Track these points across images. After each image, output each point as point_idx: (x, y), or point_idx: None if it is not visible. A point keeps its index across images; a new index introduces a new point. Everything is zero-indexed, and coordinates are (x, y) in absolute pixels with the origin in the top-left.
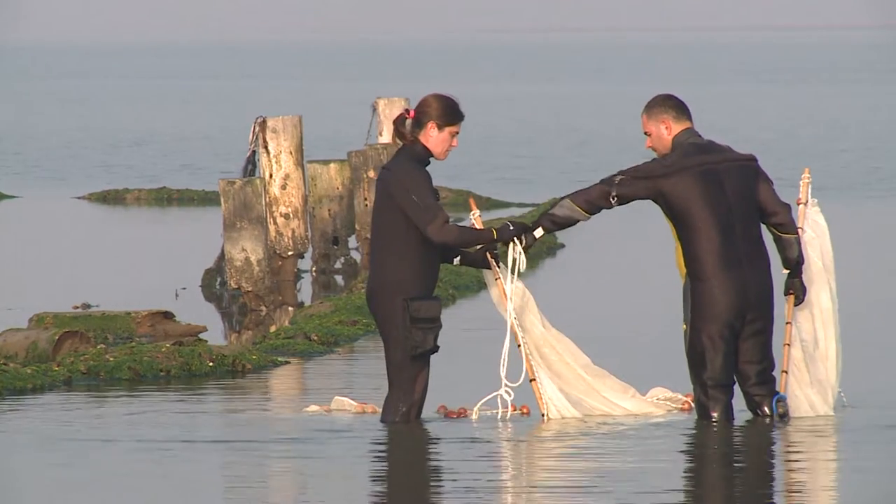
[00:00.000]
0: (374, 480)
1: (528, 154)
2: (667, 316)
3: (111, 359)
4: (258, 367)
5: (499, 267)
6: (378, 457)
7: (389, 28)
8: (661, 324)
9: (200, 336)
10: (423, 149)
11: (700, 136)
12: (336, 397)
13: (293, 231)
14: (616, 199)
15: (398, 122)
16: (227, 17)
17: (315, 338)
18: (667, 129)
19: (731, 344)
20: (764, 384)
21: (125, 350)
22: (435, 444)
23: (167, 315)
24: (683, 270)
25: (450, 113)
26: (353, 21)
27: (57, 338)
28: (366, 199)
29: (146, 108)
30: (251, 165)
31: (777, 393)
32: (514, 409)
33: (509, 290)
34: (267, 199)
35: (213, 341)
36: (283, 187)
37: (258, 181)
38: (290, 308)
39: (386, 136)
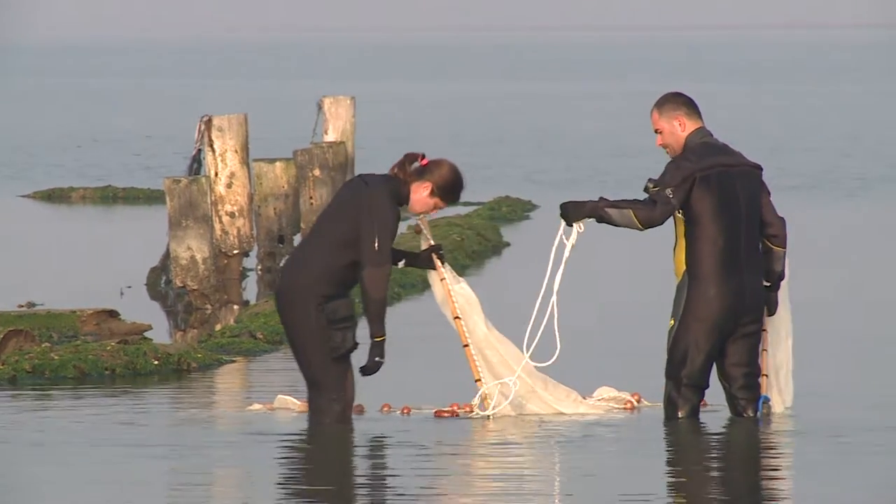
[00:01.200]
0: (316, 482)
1: (480, 153)
2: (608, 313)
3: (56, 357)
4: (203, 365)
5: (444, 267)
6: (318, 458)
7: (336, 26)
8: (604, 322)
9: (146, 335)
10: (407, 194)
11: (712, 135)
12: (279, 396)
13: (238, 229)
14: (680, 211)
15: (407, 159)
16: (170, 16)
17: (260, 336)
18: (680, 126)
19: (715, 347)
20: (749, 388)
21: (70, 349)
22: (380, 443)
23: (112, 313)
24: (681, 267)
25: (450, 191)
26: (300, 19)
27: (1, 336)
28: (311, 197)
29: (92, 106)
30: (197, 164)
31: (762, 395)
32: (467, 408)
33: (468, 291)
34: (212, 198)
35: (159, 340)
36: (229, 186)
37: (204, 180)
38: (236, 306)
39: (332, 135)
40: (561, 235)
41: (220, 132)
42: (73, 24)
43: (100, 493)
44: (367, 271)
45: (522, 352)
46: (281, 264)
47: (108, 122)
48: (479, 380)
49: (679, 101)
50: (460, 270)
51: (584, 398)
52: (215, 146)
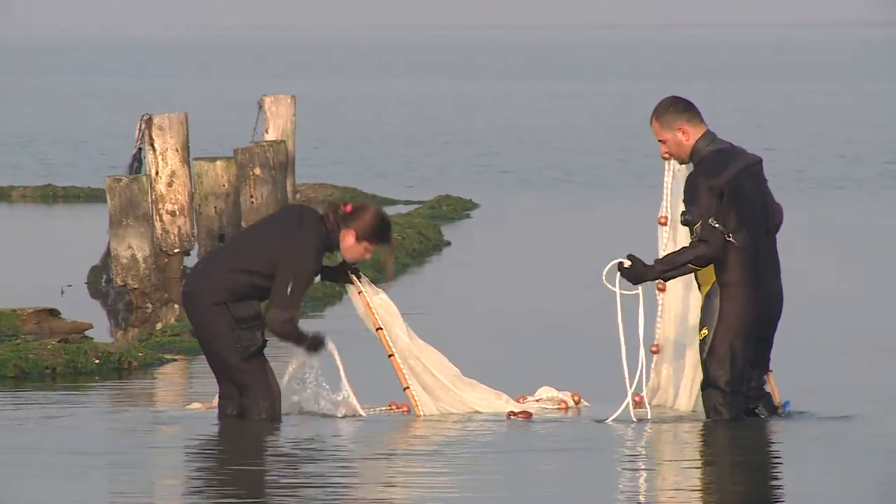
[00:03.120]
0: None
1: (415, 152)
2: (550, 312)
3: None
4: (144, 364)
5: (360, 280)
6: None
7: (277, 24)
8: (545, 320)
9: (86, 333)
10: (336, 241)
11: (717, 137)
12: (218, 395)
13: (179, 228)
14: (730, 235)
15: (333, 209)
16: (110, 15)
17: None
18: (684, 135)
19: (751, 354)
20: (762, 388)
21: (10, 347)
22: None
23: (53, 312)
24: (711, 277)
25: (376, 234)
26: (241, 18)
27: None
28: (252, 196)
29: (33, 105)
30: (137, 163)
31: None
32: (396, 408)
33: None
34: (153, 197)
35: (100, 338)
36: (170, 184)
37: (144, 178)
38: (176, 305)
39: (272, 134)
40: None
41: (161, 131)
42: (12, 23)
43: (32, 499)
44: (272, 312)
45: (444, 359)
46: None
47: (48, 120)
48: (408, 388)
49: (678, 109)
50: (401, 270)
51: (522, 399)
52: (156, 145)
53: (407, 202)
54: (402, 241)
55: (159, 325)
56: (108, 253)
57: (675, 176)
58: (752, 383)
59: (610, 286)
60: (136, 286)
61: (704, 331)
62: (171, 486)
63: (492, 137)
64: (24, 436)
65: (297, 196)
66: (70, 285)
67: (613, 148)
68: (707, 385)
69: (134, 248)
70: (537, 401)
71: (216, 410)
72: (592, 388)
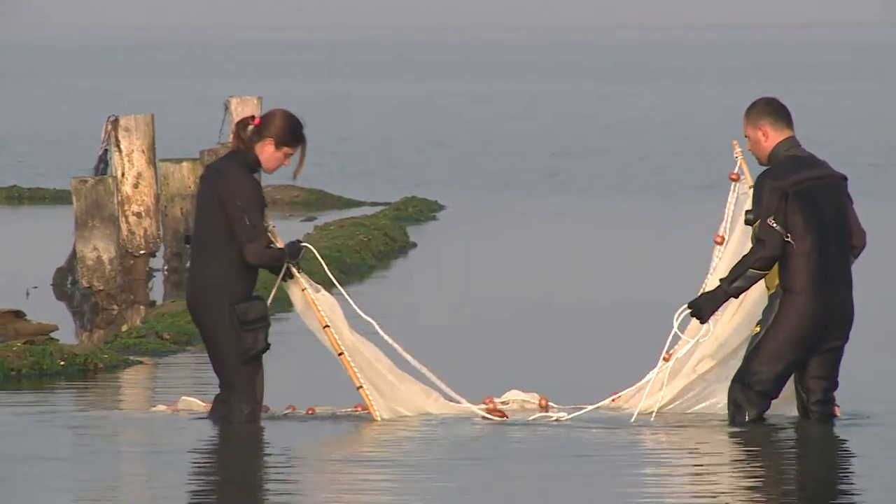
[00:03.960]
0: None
1: (384, 154)
2: (513, 313)
3: None
4: (110, 366)
5: (301, 276)
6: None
7: (244, 25)
8: (507, 322)
9: (52, 335)
10: (255, 158)
11: (800, 146)
12: (183, 397)
13: (145, 230)
14: (788, 235)
15: (240, 126)
16: (74, 16)
17: (167, 337)
18: (764, 136)
19: (798, 360)
20: (825, 402)
21: None
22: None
23: (18, 314)
24: (775, 280)
25: (291, 135)
26: (207, 18)
27: None
28: None
29: (2, 105)
30: (103, 164)
31: (835, 415)
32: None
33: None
34: (119, 198)
35: (65, 340)
36: (136, 186)
37: (110, 180)
38: (142, 307)
39: None
40: (677, 333)
41: (127, 132)
42: None
43: None
44: (246, 249)
45: (380, 353)
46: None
47: (14, 121)
48: (361, 387)
49: (765, 110)
50: (366, 272)
51: (489, 401)
52: (122, 146)
53: (373, 203)
54: (367, 242)
55: (125, 327)
56: (73, 254)
57: (738, 199)
58: (813, 396)
59: (689, 339)
60: (101, 288)
61: (757, 328)
62: (136, 491)
63: (465, 139)
64: None
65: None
66: (35, 287)
67: (591, 149)
68: (737, 378)
69: (100, 249)
70: (503, 403)
71: (186, 413)
72: (555, 389)
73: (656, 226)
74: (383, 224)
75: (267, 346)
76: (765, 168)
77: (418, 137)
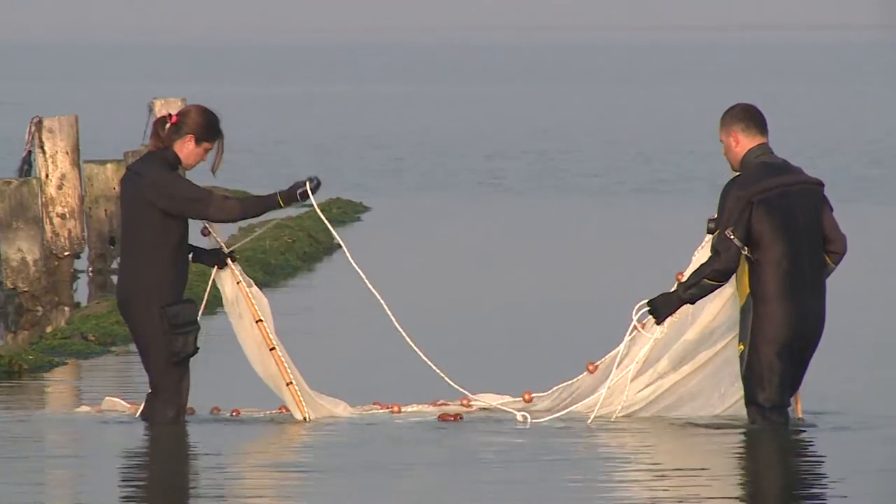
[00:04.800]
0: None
1: (314, 156)
2: (440, 313)
3: None
4: (35, 367)
5: (236, 269)
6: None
7: (168, 27)
8: (435, 322)
9: None
10: (175, 156)
11: (772, 152)
12: (107, 398)
13: (70, 231)
14: (745, 248)
15: (158, 124)
16: (6, 17)
17: (92, 338)
18: (735, 142)
19: (788, 366)
20: (784, 406)
21: None
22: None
23: None
24: (746, 290)
25: (209, 130)
26: (130, 20)
27: None
28: None
29: None
30: (27, 165)
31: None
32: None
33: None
34: (43, 199)
35: None
36: (60, 187)
37: (34, 181)
38: (67, 308)
39: None
40: (634, 329)
41: (51, 133)
42: None
43: None
44: (212, 213)
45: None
46: (115, 270)
47: None
48: (291, 383)
49: (739, 116)
50: (291, 273)
51: (466, 402)
52: (46, 148)
53: (306, 203)
54: (291, 244)
55: (49, 329)
56: None
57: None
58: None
59: (646, 333)
60: (26, 289)
61: (741, 346)
62: (60, 495)
63: (398, 141)
64: None
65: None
66: None
67: (526, 151)
68: (747, 402)
69: (24, 250)
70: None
71: (110, 414)
72: (485, 387)
73: (589, 226)
74: (308, 225)
75: (196, 350)
76: (734, 175)
77: (347, 139)
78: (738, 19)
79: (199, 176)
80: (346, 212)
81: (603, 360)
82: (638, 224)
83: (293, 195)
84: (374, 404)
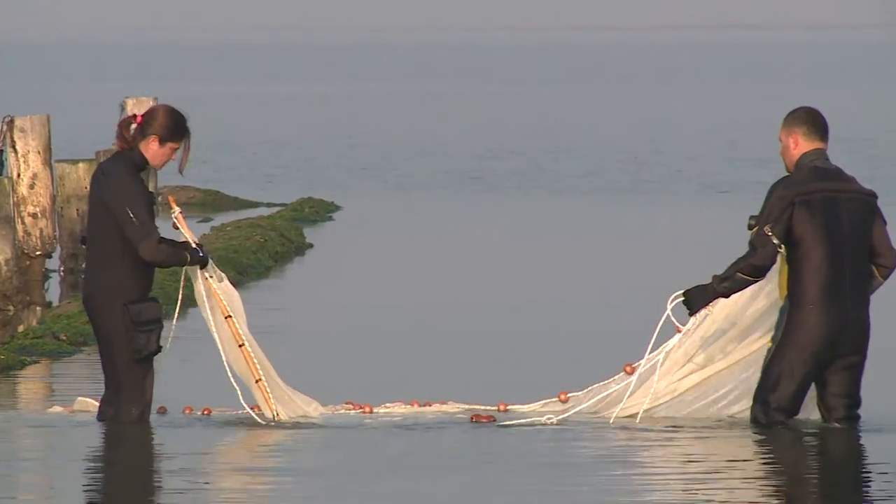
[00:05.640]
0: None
1: (284, 154)
2: (412, 313)
3: None
4: (6, 367)
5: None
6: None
7: (140, 26)
8: (408, 321)
9: None
10: (141, 156)
11: (828, 159)
12: (79, 398)
13: (41, 230)
14: (782, 247)
15: (123, 125)
16: None
17: (64, 338)
18: (794, 144)
19: (810, 375)
20: (849, 419)
21: None
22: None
23: None
24: (784, 292)
25: (175, 130)
26: (103, 20)
27: None
28: None
29: None
30: None
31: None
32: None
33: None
34: (15, 199)
35: None
36: (31, 187)
37: (6, 181)
38: (39, 308)
39: None
40: (670, 316)
41: (23, 133)
42: None
43: None
44: (140, 248)
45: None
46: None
47: None
48: (260, 379)
49: (802, 120)
50: (263, 272)
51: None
52: (17, 147)
53: (269, 204)
54: (263, 243)
55: (21, 328)
56: None
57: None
58: (836, 413)
59: (679, 325)
60: None
61: (769, 343)
62: (32, 494)
63: (375, 140)
64: None
65: (159, 198)
66: None
67: (506, 151)
68: (757, 398)
69: None
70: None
71: (80, 414)
72: (449, 389)
73: (571, 227)
74: (280, 225)
75: (159, 349)
76: (784, 175)
77: (326, 139)
78: (730, 19)
79: (168, 175)
80: (317, 211)
81: (640, 362)
82: (621, 223)
83: (200, 259)
84: (346, 404)
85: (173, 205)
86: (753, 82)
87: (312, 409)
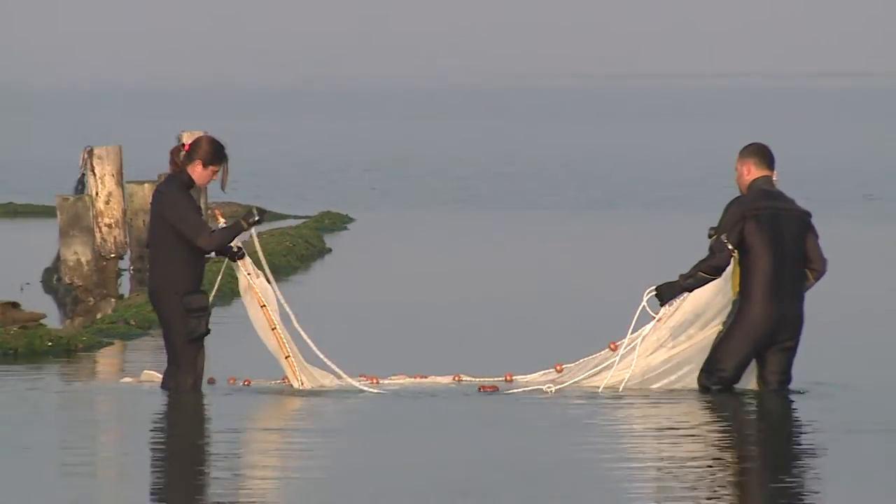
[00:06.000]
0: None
1: (306, 177)
2: (417, 304)
3: None
4: (88, 346)
5: (245, 263)
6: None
7: (187, 74)
8: (414, 311)
9: (41, 322)
10: (189, 177)
11: (773, 184)
12: (145, 371)
13: (115, 238)
14: (735, 252)
15: (174, 152)
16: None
17: (133, 323)
18: (747, 171)
19: (750, 355)
20: (781, 392)
21: None
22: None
23: (14, 305)
24: (737, 289)
25: (215, 155)
26: (171, 70)
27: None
28: None
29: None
30: (81, 185)
31: None
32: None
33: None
34: (94, 213)
35: (52, 326)
36: (107, 203)
37: (87, 198)
38: (113, 299)
39: None
40: (645, 307)
41: (100, 160)
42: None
43: None
44: (199, 241)
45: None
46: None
47: (14, 152)
48: (289, 356)
49: (753, 151)
50: (291, 271)
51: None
52: (96, 171)
53: (296, 217)
54: (292, 248)
55: (99, 315)
56: (58, 257)
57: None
58: (769, 387)
59: (653, 314)
60: (80, 284)
61: (721, 327)
62: (107, 448)
63: (386, 165)
64: None
65: (208, 211)
66: (28, 283)
67: (496, 175)
68: (705, 368)
69: (79, 253)
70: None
71: (146, 384)
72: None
73: (548, 237)
74: (305, 233)
75: (207, 331)
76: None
77: (342, 165)
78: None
79: (212, 189)
80: (335, 222)
81: (622, 341)
82: (591, 236)
83: (252, 218)
84: (360, 377)
85: (220, 217)
86: (720, 123)
87: (329, 381)
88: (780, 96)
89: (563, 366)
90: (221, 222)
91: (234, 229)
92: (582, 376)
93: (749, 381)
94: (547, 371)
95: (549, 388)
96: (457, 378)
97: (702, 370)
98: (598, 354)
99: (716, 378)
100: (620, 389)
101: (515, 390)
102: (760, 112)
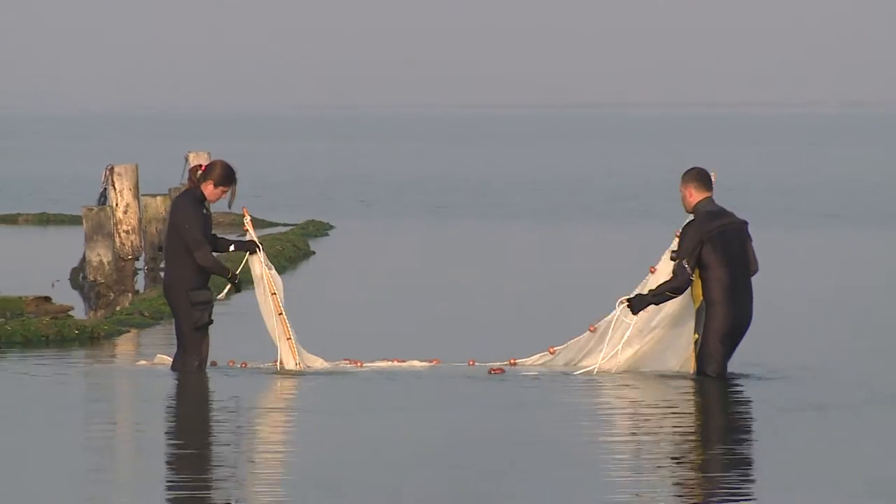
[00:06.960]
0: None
1: (293, 190)
2: (393, 298)
3: (9, 328)
4: (109, 334)
5: (260, 254)
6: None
7: (205, 100)
8: (391, 304)
9: (70, 313)
10: (202, 194)
11: (714, 202)
12: (158, 355)
13: (132, 242)
14: (693, 273)
15: (193, 171)
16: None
17: (147, 314)
18: (689, 194)
19: (728, 348)
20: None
21: (17, 323)
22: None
23: (46, 299)
24: (700, 297)
25: (227, 178)
26: (186, 99)
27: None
28: None
29: (36, 159)
30: (103, 197)
31: None
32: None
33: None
34: (114, 220)
35: (78, 316)
36: (125, 212)
37: (108, 208)
38: (130, 294)
39: None
40: (618, 316)
41: (120, 176)
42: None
43: (26, 434)
44: (196, 254)
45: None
46: (163, 268)
47: (47, 168)
48: (290, 338)
49: (694, 176)
50: (280, 269)
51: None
52: (116, 185)
53: (285, 224)
54: (282, 250)
55: (118, 308)
56: (84, 259)
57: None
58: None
59: (628, 320)
60: (102, 281)
61: (696, 336)
62: (124, 421)
63: (363, 180)
64: (25, 391)
65: (242, 208)
66: (58, 280)
67: (472, 188)
68: (698, 372)
69: (101, 255)
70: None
71: (159, 366)
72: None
73: (519, 245)
74: (292, 238)
75: (210, 322)
76: (689, 218)
77: (324, 180)
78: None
79: (221, 206)
80: (318, 229)
81: (599, 323)
82: (558, 243)
83: (232, 278)
84: (344, 360)
85: (246, 213)
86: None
87: (319, 364)
88: (711, 122)
89: (555, 348)
90: (248, 218)
91: (223, 270)
92: (566, 357)
93: (687, 364)
94: (542, 353)
95: (542, 360)
96: (434, 362)
97: (699, 371)
98: (580, 337)
99: (711, 376)
100: (595, 372)
101: (529, 373)
102: (696, 136)
